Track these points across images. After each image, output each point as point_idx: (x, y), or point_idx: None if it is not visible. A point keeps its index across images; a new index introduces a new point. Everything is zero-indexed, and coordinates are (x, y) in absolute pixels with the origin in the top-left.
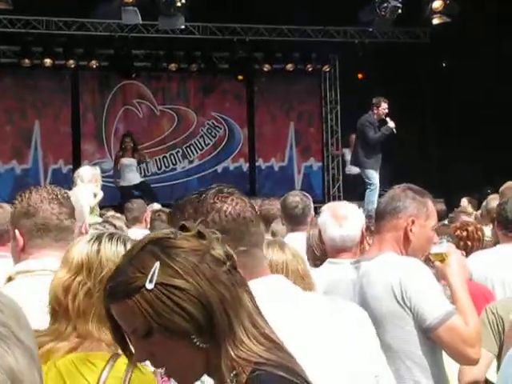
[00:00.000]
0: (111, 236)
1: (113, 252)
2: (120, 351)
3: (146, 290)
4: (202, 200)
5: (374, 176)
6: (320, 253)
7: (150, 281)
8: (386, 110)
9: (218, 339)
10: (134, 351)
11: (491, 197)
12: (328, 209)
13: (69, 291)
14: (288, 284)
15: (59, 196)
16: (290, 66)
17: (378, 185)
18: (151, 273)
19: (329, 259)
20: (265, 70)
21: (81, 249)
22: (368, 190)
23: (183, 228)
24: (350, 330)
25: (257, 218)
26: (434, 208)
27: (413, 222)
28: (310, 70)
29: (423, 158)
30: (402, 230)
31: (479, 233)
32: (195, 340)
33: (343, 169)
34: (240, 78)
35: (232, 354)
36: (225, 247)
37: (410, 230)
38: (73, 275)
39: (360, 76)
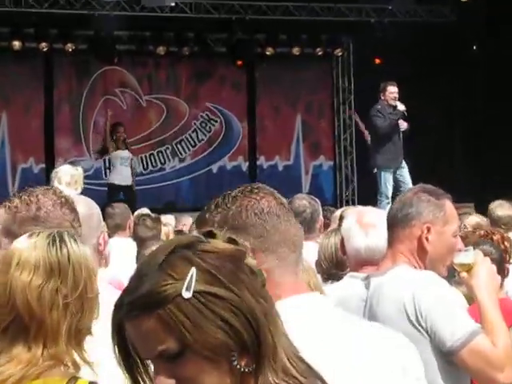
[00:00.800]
0: (72, 235)
1: (81, 253)
2: (79, 374)
3: (183, 299)
4: (225, 195)
5: (386, 181)
6: (327, 266)
7: (187, 288)
8: (395, 95)
9: (262, 361)
10: (153, 380)
11: (496, 204)
12: (353, 214)
13: (44, 300)
14: (329, 308)
15: (69, 200)
16: (296, 50)
17: (388, 195)
18: (188, 279)
19: (350, 273)
20: (267, 54)
21: (42, 248)
22: (380, 202)
23: (210, 234)
24: (395, 369)
25: (288, 215)
26: (453, 210)
27: (428, 230)
28: (319, 54)
29: (448, 151)
30: (416, 240)
31: (506, 243)
32: (235, 361)
33: (358, 168)
34: (239, 63)
35: (272, 380)
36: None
37: (426, 239)
38: (44, 281)
39: (377, 61)
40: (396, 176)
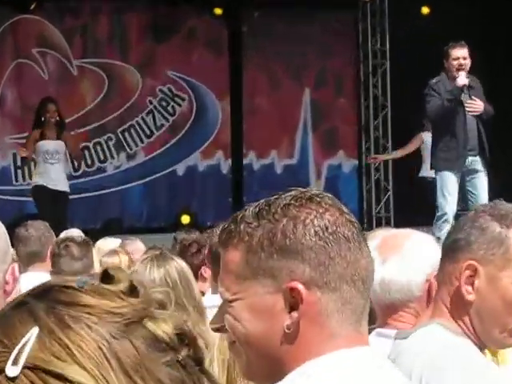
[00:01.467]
0: None
1: None
2: None
3: (8, 378)
4: (271, 202)
5: (445, 188)
6: None
7: (15, 362)
8: (461, 61)
9: None
10: None
11: None
12: (378, 237)
13: None
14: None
15: None
16: None
17: (448, 209)
18: (18, 347)
19: (378, 329)
20: None
21: None
22: (435, 219)
23: (106, 276)
24: None
25: (359, 239)
26: None
27: (474, 271)
28: None
29: None
30: (456, 284)
31: None
32: None
33: (397, 170)
34: (218, 12)
35: None
36: (180, 322)
37: (470, 284)
38: None
39: (426, 11)
40: (466, 184)
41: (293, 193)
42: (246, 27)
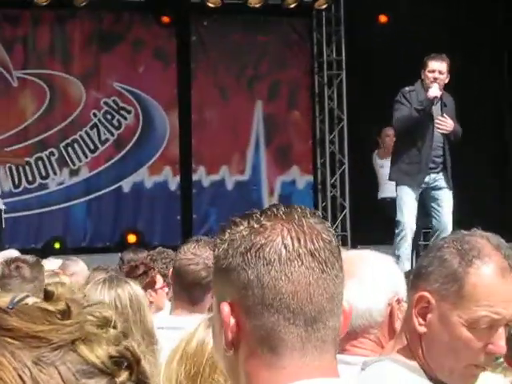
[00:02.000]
0: None
1: None
2: None
3: None
4: (241, 221)
5: (403, 203)
6: None
7: None
8: (435, 74)
9: None
10: None
11: None
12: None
13: None
14: None
15: None
16: (254, 1)
17: (410, 226)
18: None
19: (337, 355)
20: (210, 5)
21: None
22: (395, 236)
23: (47, 294)
24: None
25: (336, 261)
26: (486, 290)
27: (428, 303)
28: (291, 6)
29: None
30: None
31: None
32: None
33: (353, 186)
34: (165, 20)
35: None
36: (120, 343)
37: (422, 316)
38: None
39: (383, 19)
40: (429, 201)
41: (271, 206)
42: (196, 36)
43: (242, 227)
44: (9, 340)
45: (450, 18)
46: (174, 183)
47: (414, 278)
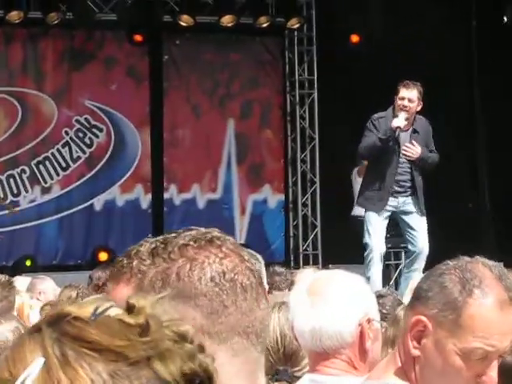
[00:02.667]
0: None
1: None
2: None
3: None
4: (168, 240)
5: (369, 227)
6: (271, 359)
7: None
8: (405, 102)
9: None
10: None
11: None
12: (306, 279)
13: None
14: None
15: None
16: (227, 19)
17: (378, 248)
18: (20, 380)
19: (308, 374)
20: (183, 24)
21: None
22: (364, 258)
23: (128, 305)
24: None
25: (257, 289)
26: (481, 321)
27: (424, 327)
28: (264, 26)
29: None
30: (409, 336)
31: None
32: None
33: (325, 206)
34: (138, 38)
35: None
36: (195, 357)
37: (417, 340)
38: None
39: (355, 39)
40: (401, 224)
41: (193, 232)
42: (168, 55)
43: (201, 253)
44: (87, 351)
45: (423, 38)
46: (145, 201)
47: (413, 300)
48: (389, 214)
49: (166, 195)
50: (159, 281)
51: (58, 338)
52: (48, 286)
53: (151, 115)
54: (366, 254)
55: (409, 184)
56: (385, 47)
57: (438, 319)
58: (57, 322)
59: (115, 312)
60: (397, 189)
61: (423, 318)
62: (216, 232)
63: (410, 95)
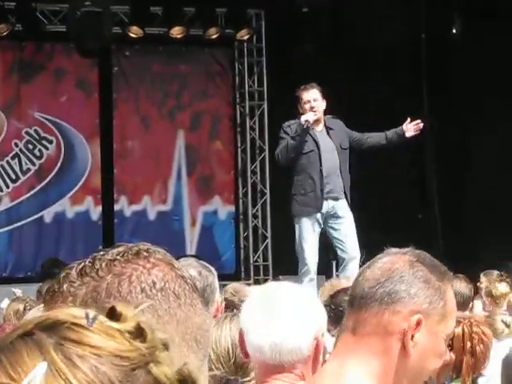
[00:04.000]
0: None
1: None
2: None
3: None
4: (95, 258)
5: (302, 236)
6: (221, 370)
7: None
8: (312, 103)
9: None
10: None
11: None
12: (258, 292)
13: None
14: None
15: None
16: (176, 31)
17: (312, 260)
18: (25, 382)
19: None
20: (132, 35)
21: None
22: (299, 271)
23: (112, 313)
24: None
25: (191, 295)
26: (454, 302)
27: (418, 324)
28: (213, 37)
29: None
30: (396, 335)
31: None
32: None
33: (275, 218)
34: (87, 50)
35: None
36: (181, 365)
37: (411, 338)
38: None
39: (306, 48)
40: (330, 231)
41: (120, 248)
42: (117, 66)
43: (128, 266)
44: (92, 355)
45: (372, 47)
46: (95, 213)
47: (389, 300)
48: (321, 225)
49: (116, 207)
50: (90, 299)
51: (58, 342)
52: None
53: (101, 127)
54: (300, 267)
55: (337, 185)
56: (338, 56)
57: (428, 312)
58: (53, 328)
59: (103, 319)
60: (326, 190)
61: (419, 316)
62: (143, 245)
63: (312, 96)
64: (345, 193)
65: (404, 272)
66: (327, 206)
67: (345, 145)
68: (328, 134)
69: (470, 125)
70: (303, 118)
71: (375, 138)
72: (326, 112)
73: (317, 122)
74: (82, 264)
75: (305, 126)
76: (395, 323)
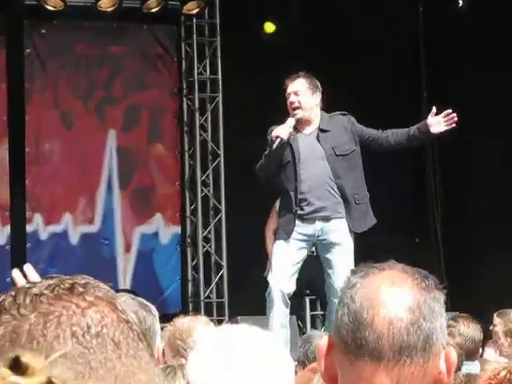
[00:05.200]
0: None
1: None
2: None
3: None
4: (19, 292)
5: (275, 258)
6: None
7: None
8: (292, 98)
9: None
10: None
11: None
12: (208, 342)
13: None
14: None
15: None
16: (106, 3)
17: (277, 285)
18: None
19: None
20: (50, 8)
21: None
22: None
23: (17, 365)
24: None
25: (134, 343)
26: None
27: (447, 359)
28: (153, 10)
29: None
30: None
31: None
32: None
33: (232, 241)
34: None
35: None
36: None
37: (448, 375)
38: None
39: (270, 28)
40: (322, 259)
41: (51, 280)
42: (30, 47)
43: (58, 304)
44: None
45: (344, 27)
46: (2, 235)
47: (426, 344)
48: (303, 244)
49: (28, 227)
50: (8, 343)
51: None
52: None
53: (9, 125)
54: (266, 293)
55: (328, 202)
56: (305, 39)
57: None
58: None
59: (5, 373)
60: (310, 210)
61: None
62: (81, 277)
63: (293, 88)
64: (348, 209)
65: (419, 299)
66: (313, 228)
67: (343, 149)
68: (318, 137)
69: (468, 115)
70: (274, 134)
71: (396, 135)
72: (326, 109)
73: (305, 122)
74: (2, 297)
75: (275, 145)
76: (432, 368)
